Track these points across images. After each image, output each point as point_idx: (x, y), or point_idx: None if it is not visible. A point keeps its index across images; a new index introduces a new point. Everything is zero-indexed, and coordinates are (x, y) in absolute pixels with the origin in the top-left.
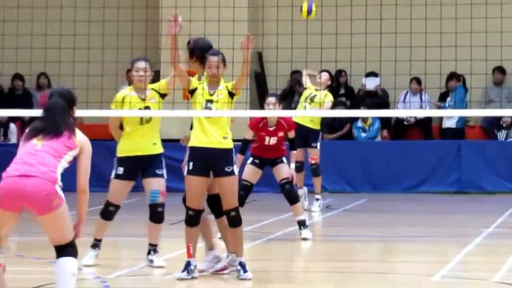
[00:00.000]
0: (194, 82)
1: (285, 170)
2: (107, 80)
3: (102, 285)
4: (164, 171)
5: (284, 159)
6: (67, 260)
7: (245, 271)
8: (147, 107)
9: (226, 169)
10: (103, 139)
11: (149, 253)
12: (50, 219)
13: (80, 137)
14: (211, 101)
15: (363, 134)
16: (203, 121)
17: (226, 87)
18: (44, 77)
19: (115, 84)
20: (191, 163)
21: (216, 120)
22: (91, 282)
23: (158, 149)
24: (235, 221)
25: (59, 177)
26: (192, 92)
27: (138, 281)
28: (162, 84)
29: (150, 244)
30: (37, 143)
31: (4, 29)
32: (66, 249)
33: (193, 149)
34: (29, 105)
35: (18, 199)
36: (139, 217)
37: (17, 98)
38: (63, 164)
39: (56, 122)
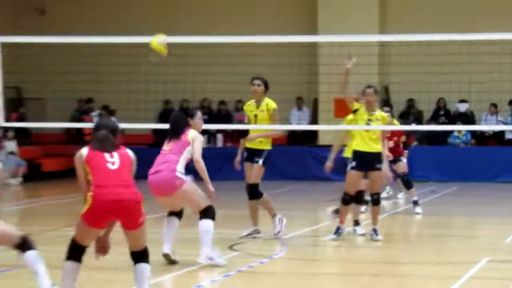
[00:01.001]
0: (356, 104)
1: (402, 165)
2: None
3: None
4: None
5: (401, 157)
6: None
7: (377, 234)
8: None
9: (377, 166)
10: None
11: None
12: (180, 195)
13: (193, 134)
14: (370, 119)
15: (457, 141)
16: (363, 133)
17: (380, 114)
18: (240, 102)
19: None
20: (354, 162)
21: (373, 132)
22: None
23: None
24: (377, 202)
25: (179, 167)
26: (355, 111)
27: None
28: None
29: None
30: (166, 147)
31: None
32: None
33: (356, 152)
34: (230, 122)
35: (153, 190)
36: None
37: (221, 116)
38: (185, 156)
39: (175, 130)
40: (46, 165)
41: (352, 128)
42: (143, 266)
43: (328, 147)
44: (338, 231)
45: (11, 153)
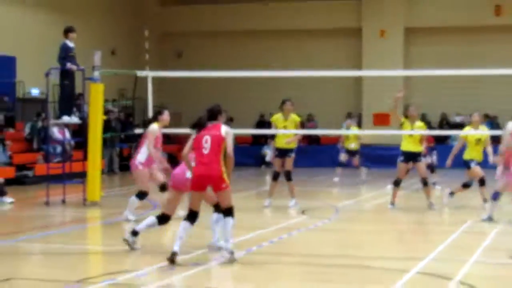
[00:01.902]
0: (403, 119)
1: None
2: None
3: None
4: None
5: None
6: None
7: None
8: None
9: (418, 159)
10: None
11: None
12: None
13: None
14: (413, 128)
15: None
16: (408, 137)
17: (419, 124)
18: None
19: None
20: (402, 157)
21: (416, 137)
22: None
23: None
24: (426, 183)
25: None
26: (402, 124)
27: None
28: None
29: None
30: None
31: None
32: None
33: (404, 151)
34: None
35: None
36: None
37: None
38: (145, 147)
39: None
40: None
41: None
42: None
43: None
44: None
45: None
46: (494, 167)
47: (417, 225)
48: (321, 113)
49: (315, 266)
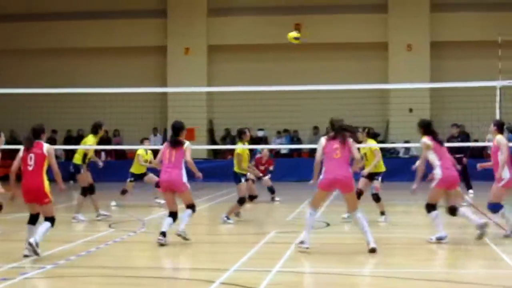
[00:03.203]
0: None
1: None
2: None
3: None
4: None
5: None
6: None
7: None
8: None
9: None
10: None
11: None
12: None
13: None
14: None
15: None
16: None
17: None
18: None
19: None
20: None
21: None
22: None
23: None
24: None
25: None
26: None
27: None
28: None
29: None
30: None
31: None
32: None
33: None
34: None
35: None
36: None
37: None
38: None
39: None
40: None
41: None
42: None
43: None
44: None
45: None
46: None
47: (224, 236)
48: None
49: (123, 278)
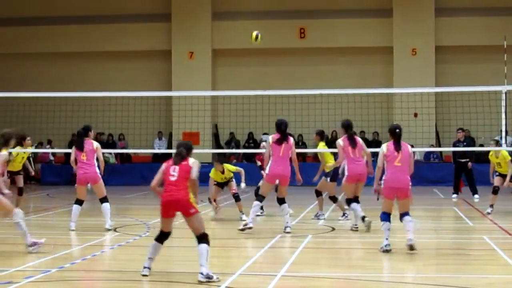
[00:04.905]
0: None
1: None
2: None
3: None
4: None
5: None
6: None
7: None
8: None
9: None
10: None
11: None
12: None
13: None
14: None
15: None
16: None
17: None
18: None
19: None
20: None
21: None
22: None
23: None
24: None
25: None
26: None
27: None
28: None
29: None
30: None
31: None
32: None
33: None
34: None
35: None
36: None
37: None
38: None
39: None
40: None
41: None
42: (201, 246)
43: None
44: None
45: None
46: None
47: (229, 240)
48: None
49: (127, 282)
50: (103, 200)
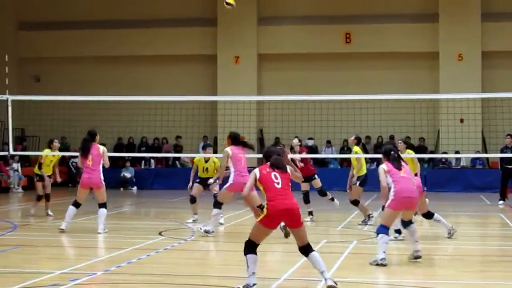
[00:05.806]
0: None
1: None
2: None
3: None
4: None
5: None
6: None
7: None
8: None
9: None
10: None
11: None
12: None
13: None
14: None
15: None
16: None
17: None
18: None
19: None
20: None
21: None
22: None
23: None
24: None
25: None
26: None
27: None
28: None
29: None
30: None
31: None
32: None
33: None
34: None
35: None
36: None
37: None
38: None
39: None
40: None
41: None
42: (313, 254)
43: None
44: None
45: (16, 170)
46: None
47: (272, 245)
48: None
49: (171, 285)
50: (102, 205)
